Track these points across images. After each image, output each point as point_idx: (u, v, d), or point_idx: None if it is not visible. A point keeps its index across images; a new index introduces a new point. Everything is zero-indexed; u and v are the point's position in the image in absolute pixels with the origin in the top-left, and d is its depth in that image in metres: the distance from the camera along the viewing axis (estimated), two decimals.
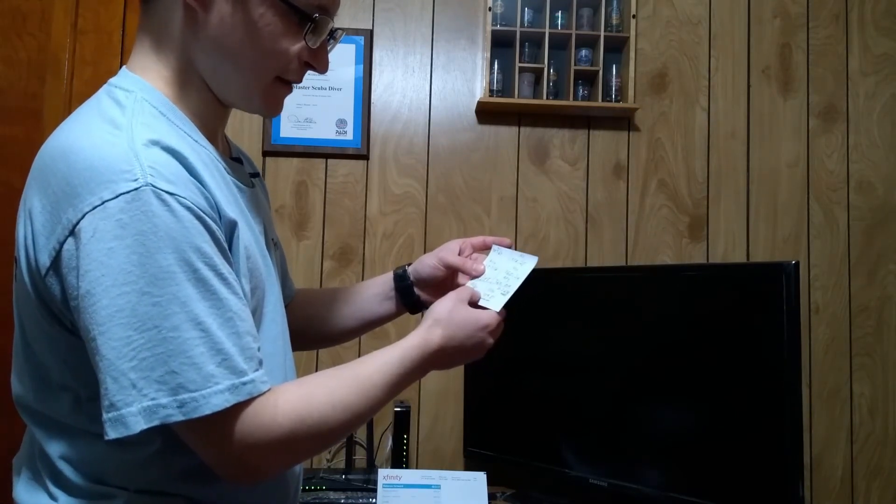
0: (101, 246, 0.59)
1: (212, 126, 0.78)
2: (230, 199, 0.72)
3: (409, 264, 1.00)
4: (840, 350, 1.80)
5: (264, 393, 0.65)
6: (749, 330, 1.23)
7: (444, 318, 0.81)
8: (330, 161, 1.77)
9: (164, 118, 0.70)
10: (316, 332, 1.04)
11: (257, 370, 0.65)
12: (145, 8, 0.74)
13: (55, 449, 0.69)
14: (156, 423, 0.60)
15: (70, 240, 0.61)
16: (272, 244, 0.87)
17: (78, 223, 0.60)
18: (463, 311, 0.83)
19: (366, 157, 1.78)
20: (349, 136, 1.76)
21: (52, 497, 0.70)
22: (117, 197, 0.59)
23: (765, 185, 1.83)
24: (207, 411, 0.60)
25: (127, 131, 0.64)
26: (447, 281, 0.96)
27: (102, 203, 0.60)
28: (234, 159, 0.83)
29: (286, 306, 0.89)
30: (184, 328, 0.60)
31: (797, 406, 1.16)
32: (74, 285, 0.61)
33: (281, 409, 0.66)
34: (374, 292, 1.01)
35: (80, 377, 0.65)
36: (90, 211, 0.60)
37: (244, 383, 0.63)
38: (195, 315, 0.61)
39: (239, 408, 0.63)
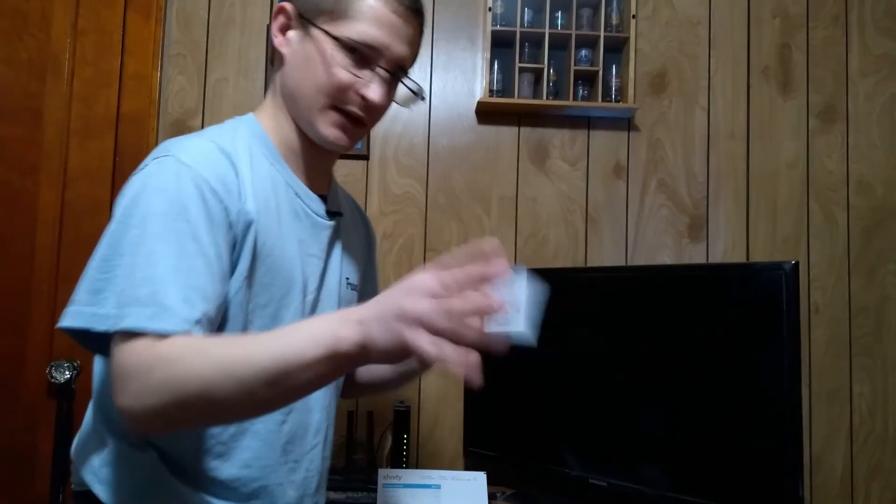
0: (124, 193, 0.77)
1: (303, 159, 0.92)
2: (273, 209, 0.84)
3: None
4: (840, 350, 1.80)
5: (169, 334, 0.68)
6: (749, 330, 1.23)
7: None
8: None
9: (250, 139, 0.87)
10: (361, 381, 1.13)
11: (191, 320, 0.69)
12: (274, 67, 0.93)
13: (96, 379, 0.86)
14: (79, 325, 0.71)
15: (120, 195, 0.79)
16: (345, 283, 0.98)
17: (127, 183, 0.78)
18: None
19: (366, 157, 1.78)
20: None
21: (80, 434, 0.88)
22: (151, 162, 0.77)
23: (764, 185, 1.84)
24: (124, 325, 0.68)
25: (202, 133, 0.83)
26: None
27: (143, 166, 0.78)
28: (320, 195, 0.94)
29: None
30: (140, 257, 0.70)
31: (797, 406, 1.16)
32: None
33: (164, 344, 0.67)
34: None
35: None
36: (138, 172, 0.78)
37: (164, 317, 0.67)
38: (153, 251, 0.70)
39: (144, 335, 0.67)
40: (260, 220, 0.81)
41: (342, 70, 0.84)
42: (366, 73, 0.85)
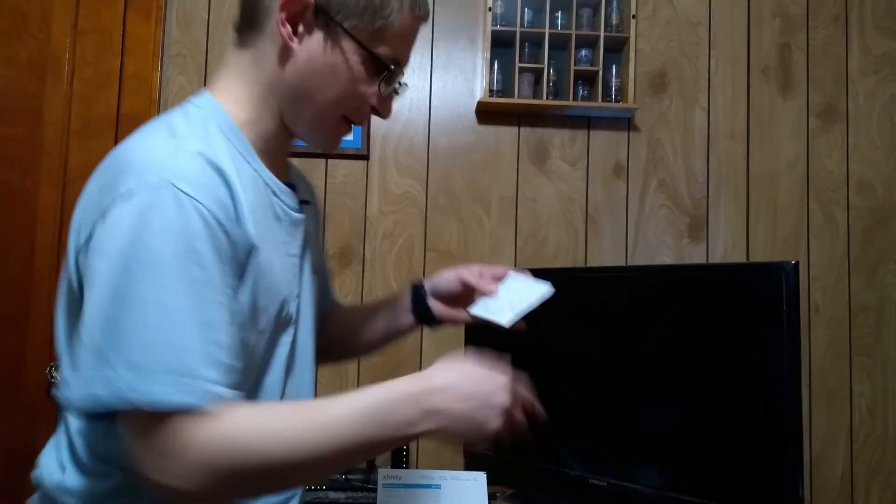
0: (113, 227, 0.64)
1: (275, 149, 0.84)
2: (261, 221, 0.77)
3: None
4: (840, 350, 1.80)
5: (208, 407, 0.63)
6: (749, 330, 1.23)
7: (455, 363, 0.75)
8: (330, 161, 1.78)
9: (223, 136, 0.76)
10: (342, 346, 1.09)
11: (222, 384, 0.64)
12: (241, 38, 0.82)
13: (74, 422, 0.74)
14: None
15: (99, 221, 0.66)
16: (311, 272, 0.92)
17: (108, 207, 0.66)
18: (477, 367, 0.75)
19: (366, 158, 1.78)
20: (349, 136, 1.76)
21: (62, 466, 0.74)
22: (141, 187, 0.65)
23: (765, 185, 1.84)
24: (149, 398, 0.61)
25: (181, 140, 0.71)
26: (461, 297, 1.00)
27: (129, 191, 0.65)
28: (288, 184, 0.87)
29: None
30: (153, 314, 0.62)
31: (797, 406, 1.16)
32: (89, 261, 0.67)
33: (213, 425, 0.63)
34: (397, 304, 1.05)
35: None
36: (118, 197, 0.65)
37: (195, 387, 0.62)
38: (168, 306, 0.63)
39: (180, 412, 0.62)
40: (258, 241, 0.75)
41: (366, 86, 0.81)
42: (383, 87, 0.82)
